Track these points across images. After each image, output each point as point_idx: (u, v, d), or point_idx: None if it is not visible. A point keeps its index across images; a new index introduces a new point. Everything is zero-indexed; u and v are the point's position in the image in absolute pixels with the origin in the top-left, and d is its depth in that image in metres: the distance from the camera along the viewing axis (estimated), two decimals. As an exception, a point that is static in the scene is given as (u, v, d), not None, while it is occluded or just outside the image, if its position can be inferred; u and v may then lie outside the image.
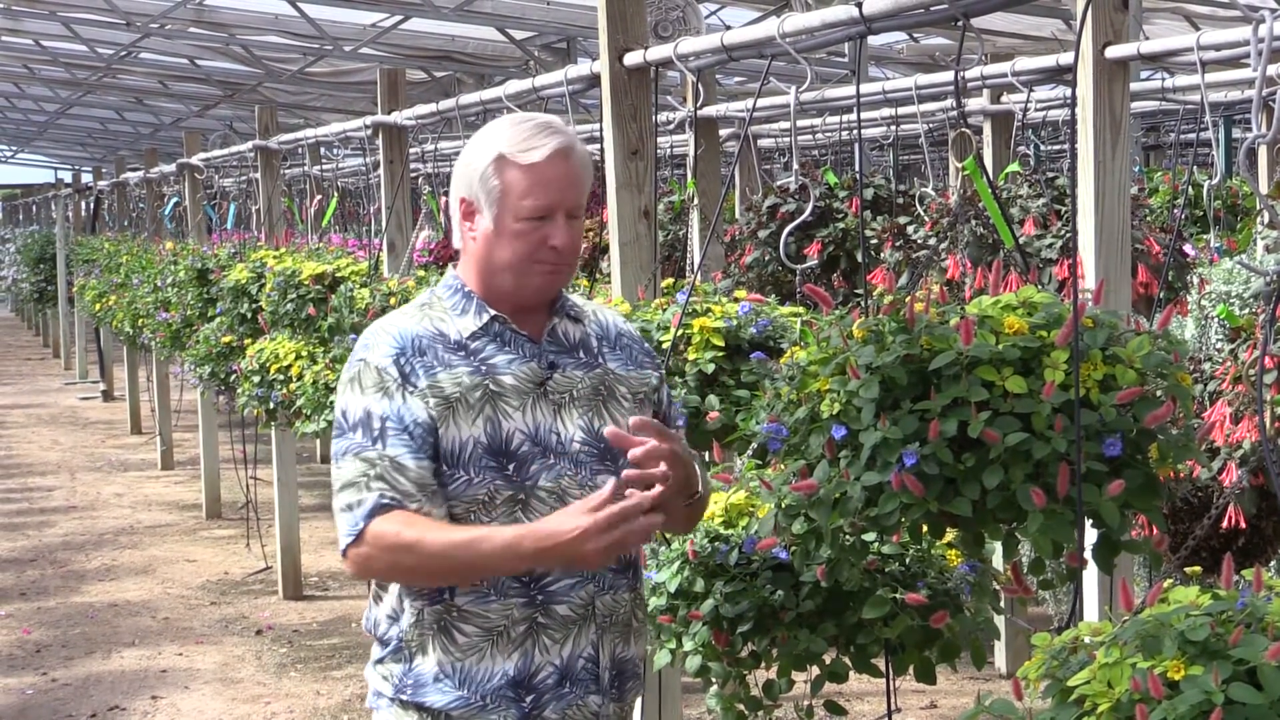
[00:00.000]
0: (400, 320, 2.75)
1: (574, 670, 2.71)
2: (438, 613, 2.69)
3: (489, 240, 2.71)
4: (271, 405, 7.28)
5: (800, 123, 7.47)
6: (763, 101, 5.55)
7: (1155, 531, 2.62)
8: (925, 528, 2.64)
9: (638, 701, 4.18)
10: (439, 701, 2.68)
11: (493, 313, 2.73)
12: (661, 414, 2.87)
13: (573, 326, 2.81)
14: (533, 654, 2.69)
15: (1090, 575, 3.33)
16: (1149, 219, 6.46)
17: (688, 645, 3.21)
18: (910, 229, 5.59)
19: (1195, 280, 4.63)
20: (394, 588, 2.73)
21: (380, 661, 2.76)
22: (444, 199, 5.55)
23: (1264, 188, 6.55)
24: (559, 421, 2.71)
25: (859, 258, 6.07)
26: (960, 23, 3.29)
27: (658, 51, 4.26)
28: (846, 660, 3.16)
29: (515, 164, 2.67)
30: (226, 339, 8.34)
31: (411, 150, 6.91)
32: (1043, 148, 7.62)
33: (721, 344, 3.96)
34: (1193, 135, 8.39)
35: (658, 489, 2.55)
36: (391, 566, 2.65)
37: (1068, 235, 4.90)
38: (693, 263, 6.75)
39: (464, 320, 2.73)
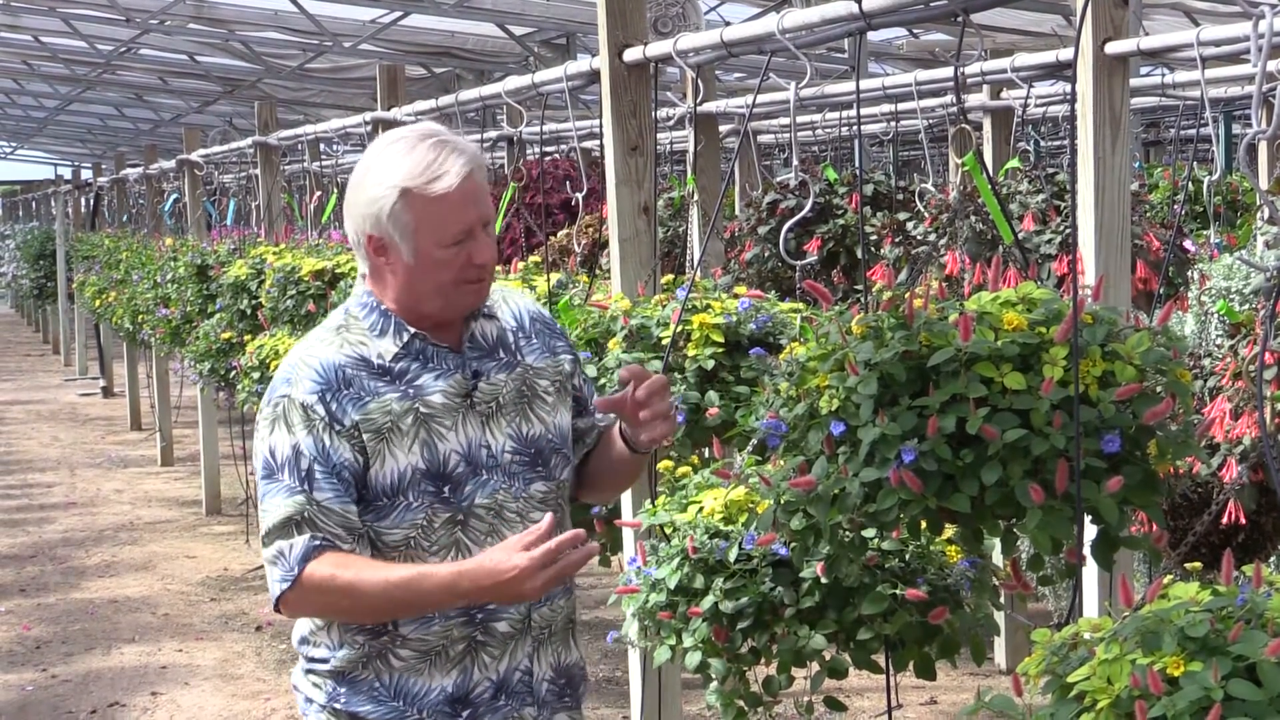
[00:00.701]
0: (319, 350, 2.67)
1: (510, 684, 2.71)
2: (383, 644, 2.67)
3: (411, 272, 2.64)
4: (271, 401, 7.27)
5: (800, 119, 7.46)
6: (762, 97, 5.53)
7: (1155, 528, 2.62)
8: (924, 524, 2.63)
9: (636, 700, 4.19)
10: (373, 712, 2.67)
11: (412, 330, 2.68)
12: (581, 400, 2.87)
13: (489, 324, 2.77)
14: (471, 671, 2.68)
15: (1090, 571, 3.34)
16: (1149, 215, 6.46)
17: (687, 641, 3.20)
18: (910, 225, 5.59)
19: (1195, 276, 4.62)
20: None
21: (311, 671, 2.74)
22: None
23: (1264, 183, 6.54)
24: (488, 434, 2.68)
25: (859, 254, 6.07)
26: (960, 18, 3.28)
27: (657, 47, 4.25)
28: (846, 656, 3.16)
29: (425, 197, 2.58)
30: (226, 335, 8.33)
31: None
32: (1042, 143, 7.63)
33: (721, 340, 3.96)
34: (1193, 131, 8.39)
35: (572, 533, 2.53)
36: (327, 608, 2.63)
37: (1067, 231, 4.90)
38: (692, 259, 6.74)
39: (383, 342, 2.67)
